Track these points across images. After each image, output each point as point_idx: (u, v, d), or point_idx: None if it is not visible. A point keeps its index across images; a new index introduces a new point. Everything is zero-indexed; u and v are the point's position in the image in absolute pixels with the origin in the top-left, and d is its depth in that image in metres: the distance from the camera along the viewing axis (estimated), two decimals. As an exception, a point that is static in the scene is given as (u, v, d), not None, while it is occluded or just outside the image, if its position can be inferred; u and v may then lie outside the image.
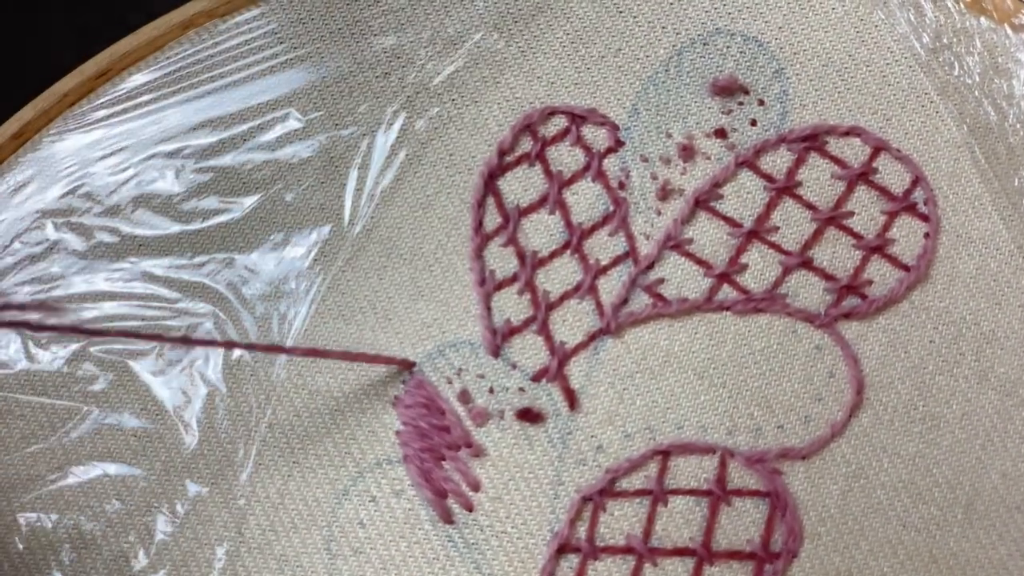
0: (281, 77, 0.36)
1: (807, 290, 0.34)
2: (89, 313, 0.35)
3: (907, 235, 0.35)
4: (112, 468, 0.34)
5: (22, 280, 0.35)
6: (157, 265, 0.35)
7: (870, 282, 0.34)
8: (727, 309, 0.34)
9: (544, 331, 0.35)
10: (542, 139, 0.35)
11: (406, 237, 0.35)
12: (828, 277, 0.34)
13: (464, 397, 0.34)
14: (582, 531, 0.34)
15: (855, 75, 0.35)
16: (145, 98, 0.36)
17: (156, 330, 0.34)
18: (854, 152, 0.35)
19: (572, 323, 0.35)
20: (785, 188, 0.35)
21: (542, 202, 0.35)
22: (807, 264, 0.35)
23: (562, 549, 0.33)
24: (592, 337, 0.35)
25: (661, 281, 0.35)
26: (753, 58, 0.35)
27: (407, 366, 0.35)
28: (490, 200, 0.35)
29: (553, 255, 0.35)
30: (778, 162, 0.35)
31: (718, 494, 0.33)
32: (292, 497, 0.34)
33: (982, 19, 0.35)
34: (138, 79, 0.36)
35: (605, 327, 0.35)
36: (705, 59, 0.35)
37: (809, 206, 0.35)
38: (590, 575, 0.33)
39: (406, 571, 0.34)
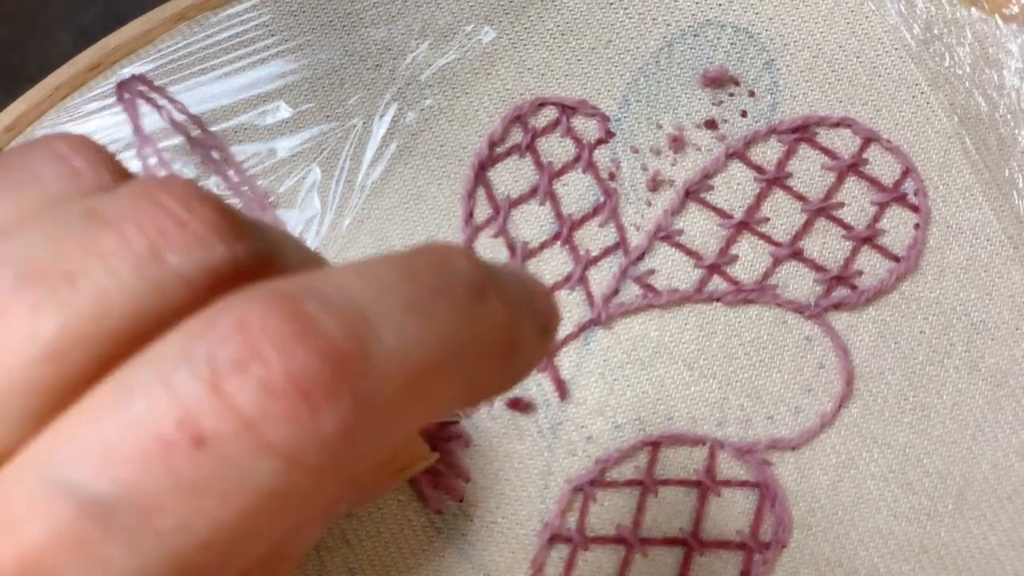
0: (272, 69, 0.36)
1: (797, 281, 0.34)
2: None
3: (897, 226, 0.35)
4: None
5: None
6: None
7: (860, 273, 0.34)
8: (717, 300, 0.34)
9: (535, 322, 0.35)
10: (532, 130, 0.35)
11: (397, 229, 0.35)
12: (818, 268, 0.34)
13: (455, 388, 0.34)
14: (572, 521, 0.34)
15: (845, 66, 0.35)
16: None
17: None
18: (844, 143, 0.35)
19: (563, 314, 0.35)
20: (775, 179, 0.35)
21: (532, 193, 0.35)
22: (797, 255, 0.35)
23: (553, 539, 0.33)
24: (582, 328, 0.35)
25: (651, 272, 0.35)
26: (743, 49, 0.35)
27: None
28: (481, 191, 0.35)
29: (543, 246, 0.35)
30: (768, 153, 0.35)
31: (708, 484, 0.33)
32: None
33: (972, 9, 0.35)
34: (130, 72, 0.36)
35: (595, 318, 0.35)
36: (695, 50, 0.35)
37: (799, 197, 0.35)
38: (580, 565, 0.33)
39: (396, 561, 0.34)
